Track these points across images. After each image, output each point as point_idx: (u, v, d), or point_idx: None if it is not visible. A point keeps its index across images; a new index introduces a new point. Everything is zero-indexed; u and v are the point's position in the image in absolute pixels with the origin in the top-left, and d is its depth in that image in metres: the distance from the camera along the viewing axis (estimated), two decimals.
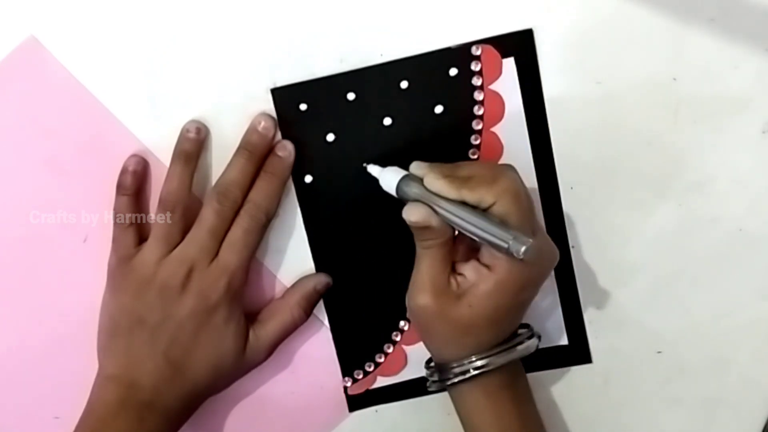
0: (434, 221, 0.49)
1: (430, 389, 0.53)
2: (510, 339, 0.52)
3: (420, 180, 0.50)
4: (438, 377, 0.52)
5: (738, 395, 0.60)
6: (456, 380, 0.51)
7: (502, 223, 0.47)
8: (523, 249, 0.45)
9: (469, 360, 0.50)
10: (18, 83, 0.54)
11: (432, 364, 0.54)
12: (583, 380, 0.60)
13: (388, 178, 0.51)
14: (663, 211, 0.57)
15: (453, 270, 0.51)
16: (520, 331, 0.53)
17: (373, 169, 0.53)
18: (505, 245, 0.46)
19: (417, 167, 0.51)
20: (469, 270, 0.50)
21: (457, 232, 0.50)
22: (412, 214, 0.49)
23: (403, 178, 0.50)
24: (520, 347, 0.52)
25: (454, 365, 0.51)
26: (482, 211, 0.48)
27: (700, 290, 0.58)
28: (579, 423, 0.60)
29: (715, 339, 0.59)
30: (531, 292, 0.51)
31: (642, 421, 0.60)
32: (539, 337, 0.53)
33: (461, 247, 0.52)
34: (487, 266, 0.49)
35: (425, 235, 0.50)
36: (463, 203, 0.48)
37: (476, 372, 0.50)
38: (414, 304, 0.51)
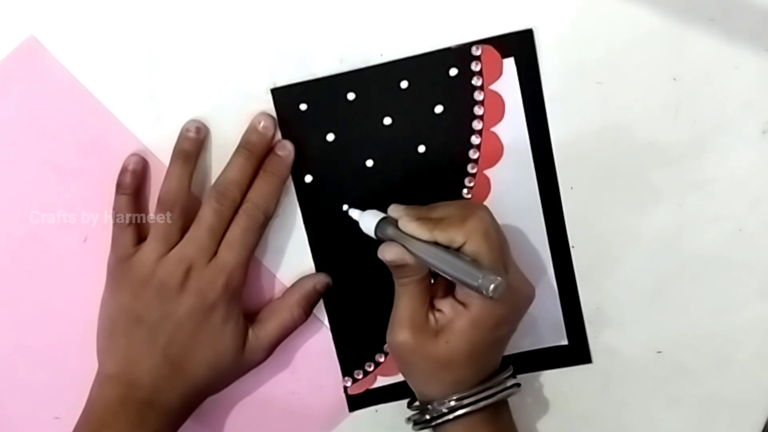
0: (409, 259, 0.50)
1: (414, 429, 0.54)
2: (492, 377, 0.53)
3: (395, 222, 0.51)
4: (419, 418, 0.53)
5: (738, 395, 0.60)
6: (439, 421, 0.52)
7: (474, 262, 0.48)
8: (491, 287, 0.46)
9: (451, 399, 0.51)
10: (18, 83, 0.54)
11: (415, 403, 0.54)
12: (583, 380, 0.60)
13: (367, 221, 0.53)
14: (663, 211, 0.57)
15: (432, 306, 0.52)
16: (503, 373, 0.54)
17: (354, 213, 0.54)
18: (475, 283, 0.47)
19: (393, 210, 0.52)
20: (446, 306, 0.51)
21: None
22: (386, 253, 0.51)
23: (381, 221, 0.52)
24: (501, 393, 0.52)
25: (436, 405, 0.52)
26: (454, 250, 0.49)
27: (700, 290, 0.58)
28: (579, 423, 0.60)
29: (715, 339, 0.59)
30: (507, 329, 0.52)
31: (642, 421, 0.60)
32: (518, 385, 0.54)
33: (440, 284, 0.53)
34: (462, 303, 0.50)
35: (402, 272, 0.51)
36: (436, 243, 0.49)
37: (460, 412, 0.51)
38: (393, 340, 0.52)
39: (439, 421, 0.52)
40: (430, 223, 0.50)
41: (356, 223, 0.56)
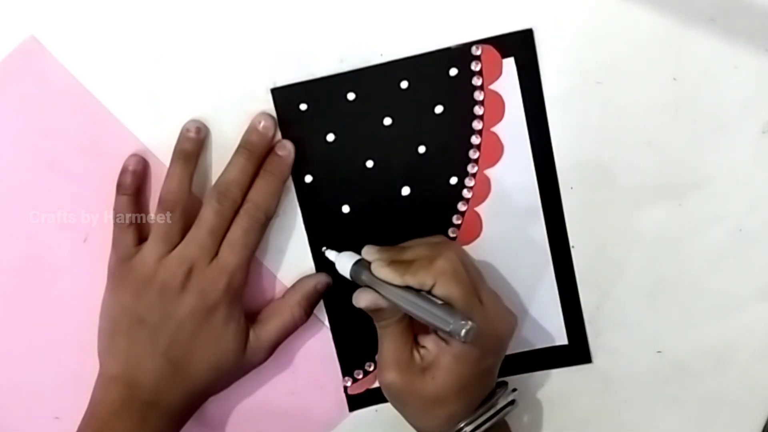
0: (383, 303, 0.51)
1: None
2: (486, 400, 0.53)
3: (369, 265, 0.52)
4: None
5: (738, 395, 0.60)
6: None
7: (445, 305, 0.49)
8: (462, 332, 0.46)
9: (450, 430, 0.52)
10: (18, 83, 0.54)
11: None
12: (583, 380, 0.60)
13: (343, 263, 0.53)
14: (663, 211, 0.57)
15: (416, 342, 0.52)
16: (497, 390, 0.54)
17: (330, 254, 0.55)
18: (447, 329, 0.47)
19: (367, 252, 0.53)
20: (429, 343, 0.52)
21: None
22: (360, 300, 0.52)
23: (355, 263, 0.53)
24: (497, 416, 0.52)
25: None
26: (426, 293, 0.50)
27: (700, 290, 0.58)
28: (579, 423, 0.60)
29: (715, 339, 0.59)
30: (493, 359, 0.53)
31: (642, 421, 0.60)
32: (514, 401, 0.54)
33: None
34: (443, 340, 0.51)
35: (379, 316, 0.52)
36: (408, 287, 0.50)
37: None
38: (382, 382, 0.53)
39: None
40: (401, 267, 0.50)
41: (355, 222, 0.56)
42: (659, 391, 0.60)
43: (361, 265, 0.52)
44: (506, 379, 0.56)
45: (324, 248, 0.55)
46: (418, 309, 0.49)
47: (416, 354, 0.52)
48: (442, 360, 0.51)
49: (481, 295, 0.51)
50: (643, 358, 0.59)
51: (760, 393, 0.60)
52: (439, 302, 0.49)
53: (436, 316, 0.48)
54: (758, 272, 0.58)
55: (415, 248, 0.53)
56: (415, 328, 0.53)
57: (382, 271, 0.51)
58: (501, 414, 0.53)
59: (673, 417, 0.60)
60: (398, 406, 0.54)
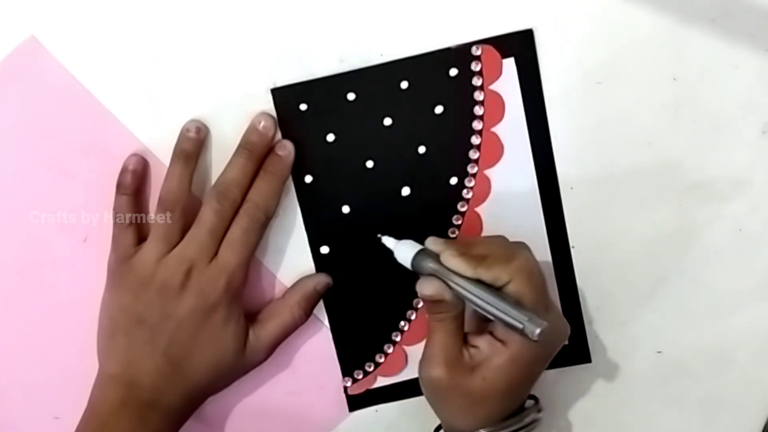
0: (447, 295, 0.50)
1: None
2: (518, 411, 0.52)
3: (435, 255, 0.51)
4: None
5: (738, 395, 0.60)
6: None
7: (517, 302, 0.48)
8: (537, 331, 0.46)
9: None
10: (18, 83, 0.54)
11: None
12: (583, 380, 0.60)
13: (404, 251, 0.52)
14: (663, 211, 0.57)
15: (465, 341, 0.51)
16: (528, 403, 0.54)
17: (388, 241, 0.54)
18: (520, 326, 0.47)
19: (433, 243, 0.52)
20: (483, 343, 0.51)
21: None
22: (426, 288, 0.50)
23: (419, 252, 0.51)
24: (528, 427, 0.52)
25: None
26: (497, 289, 0.49)
27: (700, 290, 0.58)
28: (579, 423, 0.60)
29: (715, 339, 0.59)
30: (542, 366, 0.52)
31: (642, 421, 0.60)
32: (541, 410, 0.54)
33: (474, 319, 0.53)
34: (501, 341, 0.50)
35: (438, 308, 0.51)
36: (479, 281, 0.49)
37: None
38: (426, 376, 0.52)
39: None
40: (474, 260, 0.50)
41: (355, 222, 0.56)
42: (659, 391, 0.60)
43: (426, 254, 0.51)
44: None
45: (379, 235, 0.54)
46: (490, 303, 0.48)
47: (465, 353, 0.51)
48: (496, 361, 0.50)
49: (547, 301, 0.51)
50: (643, 358, 0.59)
51: (760, 393, 0.60)
52: (510, 300, 0.48)
53: (509, 312, 0.47)
54: (758, 272, 0.58)
55: (486, 244, 0.52)
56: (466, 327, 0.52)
57: (453, 260, 0.50)
58: (531, 426, 0.52)
59: (673, 417, 0.60)
60: (437, 402, 0.53)
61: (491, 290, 0.49)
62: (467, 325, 0.52)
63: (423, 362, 0.52)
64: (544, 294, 0.50)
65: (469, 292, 0.49)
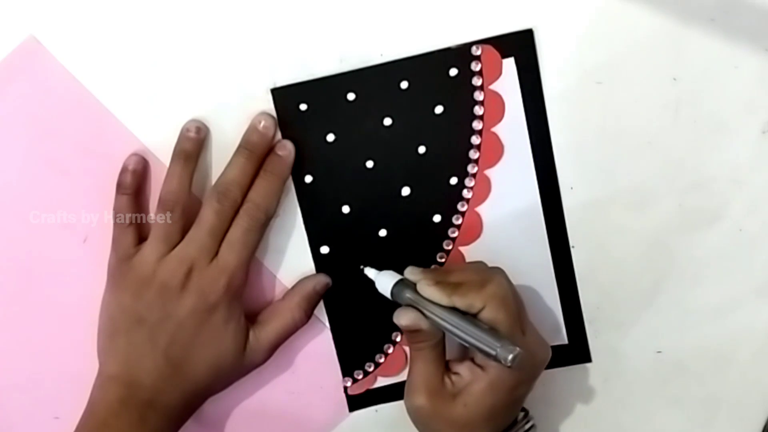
0: (424, 325, 0.50)
1: None
2: (510, 428, 0.53)
3: (413, 285, 0.51)
4: None
5: (738, 395, 0.60)
6: None
7: (492, 328, 0.49)
8: (509, 357, 0.46)
9: None
10: (18, 83, 0.54)
11: None
12: (583, 380, 0.60)
13: (383, 282, 0.53)
14: (663, 211, 0.57)
15: (447, 368, 0.52)
16: (520, 423, 0.54)
17: (370, 272, 0.54)
18: (493, 353, 0.47)
19: (411, 272, 0.53)
20: (464, 369, 0.51)
21: None
22: (402, 318, 0.51)
23: (397, 283, 0.52)
24: None
25: None
26: (472, 316, 0.49)
27: (700, 290, 0.58)
28: (579, 423, 0.60)
29: (715, 339, 0.59)
30: (525, 388, 0.52)
31: (642, 421, 0.60)
32: (534, 425, 0.54)
33: (458, 346, 0.53)
34: (480, 366, 0.51)
35: (416, 338, 0.51)
36: (454, 309, 0.50)
37: None
38: (410, 405, 0.52)
39: None
40: (449, 287, 0.50)
41: (355, 222, 0.56)
42: (659, 391, 0.60)
43: (404, 284, 0.52)
44: None
45: (362, 266, 0.55)
46: (464, 331, 0.48)
47: (447, 380, 0.51)
48: (476, 387, 0.50)
49: (523, 324, 0.51)
50: (643, 358, 0.59)
51: (760, 393, 0.60)
52: (485, 326, 0.49)
53: (482, 339, 0.48)
54: (758, 272, 0.58)
55: (462, 272, 0.52)
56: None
57: (428, 290, 0.50)
58: None
59: (673, 417, 0.60)
60: (423, 430, 0.53)
61: (466, 317, 0.49)
62: (451, 353, 0.53)
63: (407, 392, 0.53)
64: (519, 318, 0.51)
65: (443, 320, 0.49)
